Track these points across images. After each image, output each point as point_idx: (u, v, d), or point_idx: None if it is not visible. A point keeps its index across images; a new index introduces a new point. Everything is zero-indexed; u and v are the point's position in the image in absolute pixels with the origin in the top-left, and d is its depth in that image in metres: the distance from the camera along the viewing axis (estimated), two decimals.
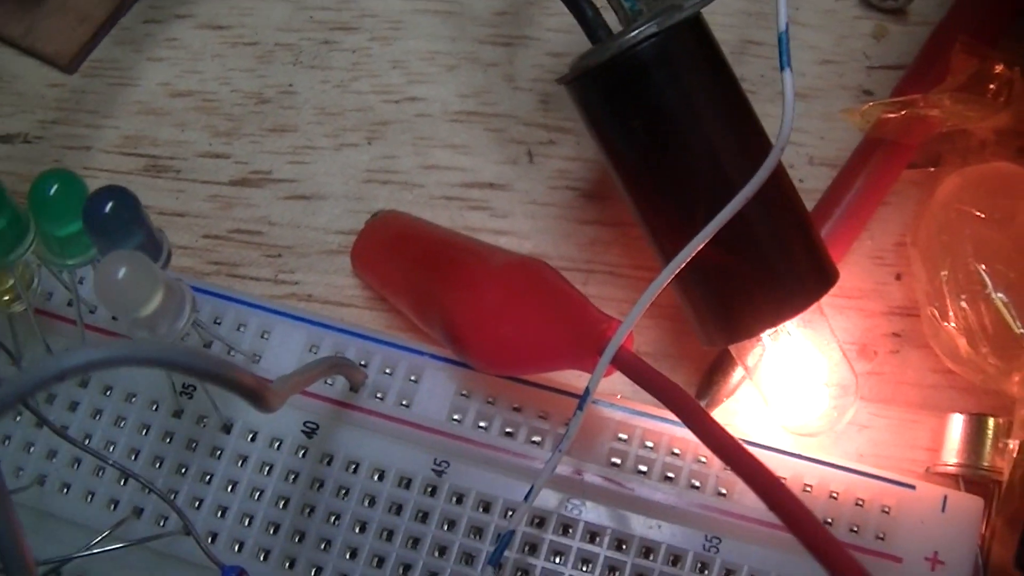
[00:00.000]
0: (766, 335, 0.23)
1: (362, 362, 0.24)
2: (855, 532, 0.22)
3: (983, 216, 0.24)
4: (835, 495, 0.23)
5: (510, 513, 0.22)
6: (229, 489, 0.23)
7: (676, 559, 0.22)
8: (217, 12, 0.29)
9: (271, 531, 0.23)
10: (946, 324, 0.24)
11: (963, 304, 0.24)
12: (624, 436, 0.23)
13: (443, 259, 0.23)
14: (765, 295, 0.22)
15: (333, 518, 0.23)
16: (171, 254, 0.21)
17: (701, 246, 0.20)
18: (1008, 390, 0.23)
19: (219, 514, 0.23)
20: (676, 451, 0.23)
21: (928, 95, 0.24)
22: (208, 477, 0.23)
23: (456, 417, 0.23)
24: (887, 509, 0.22)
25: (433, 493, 0.23)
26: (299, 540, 0.23)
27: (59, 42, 0.29)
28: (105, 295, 0.18)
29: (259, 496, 0.23)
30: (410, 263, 0.24)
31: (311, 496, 0.23)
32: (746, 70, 0.28)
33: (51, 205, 0.20)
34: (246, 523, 0.23)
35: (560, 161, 0.27)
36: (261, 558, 0.23)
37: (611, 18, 0.22)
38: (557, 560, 0.22)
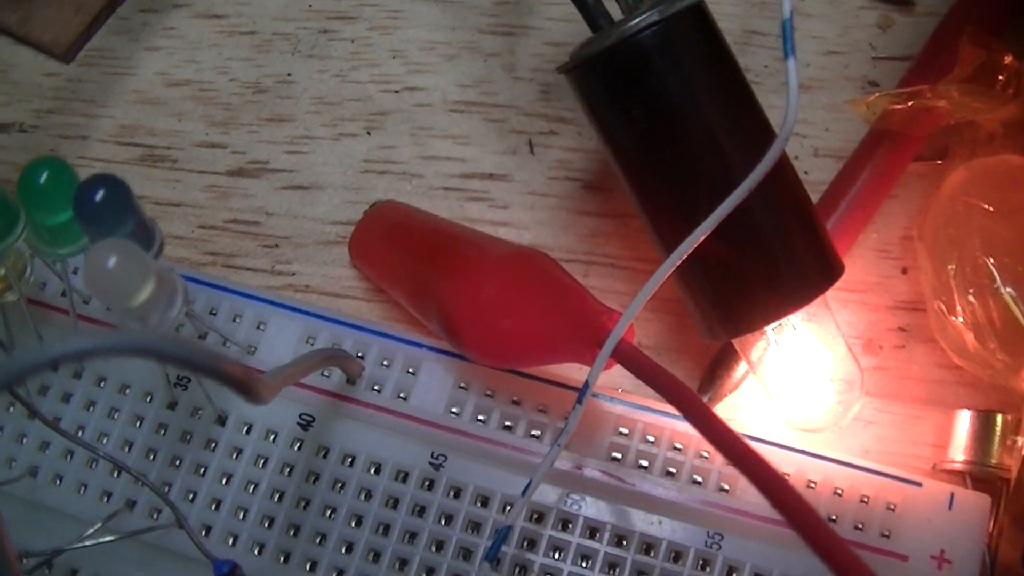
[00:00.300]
0: (770, 329, 0.23)
1: (359, 354, 0.23)
2: (860, 529, 0.22)
3: (991, 209, 0.24)
4: (840, 492, 0.22)
5: (508, 508, 0.22)
6: (224, 482, 0.23)
7: (677, 556, 0.22)
8: (214, 1, 0.29)
9: (266, 524, 0.22)
10: (953, 319, 0.23)
11: (971, 298, 0.23)
12: (625, 430, 0.23)
13: (440, 250, 0.23)
14: (768, 288, 0.21)
15: (329, 512, 0.22)
16: (164, 243, 0.20)
17: (703, 238, 0.20)
18: (1017, 386, 0.23)
19: (213, 507, 0.23)
20: (678, 446, 0.22)
21: (935, 86, 0.24)
22: (202, 469, 0.23)
23: (454, 410, 0.23)
24: (893, 506, 0.22)
25: (430, 487, 0.22)
26: (294, 534, 0.22)
27: (55, 31, 0.28)
28: (94, 284, 0.18)
29: (254, 489, 0.23)
30: (407, 254, 0.24)
31: (306, 489, 0.22)
32: (750, 60, 0.27)
33: (41, 193, 0.20)
34: (240, 516, 0.22)
35: (561, 152, 0.27)
36: (256, 552, 0.22)
37: (613, 8, 0.22)
38: (556, 556, 0.22)
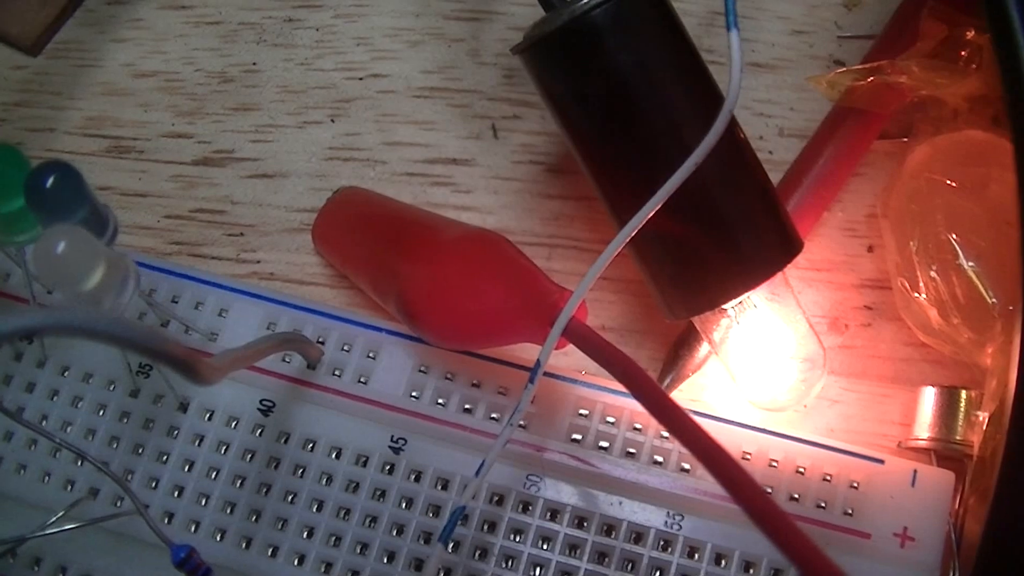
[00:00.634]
0: (732, 308, 0.23)
1: (319, 339, 0.23)
2: (823, 508, 0.22)
3: (954, 185, 0.23)
4: (802, 470, 0.22)
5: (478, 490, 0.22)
6: (186, 469, 0.23)
7: (638, 536, 0.22)
8: None
9: (228, 510, 0.22)
10: (917, 295, 0.23)
11: (933, 274, 0.23)
12: (585, 412, 0.23)
13: (397, 234, 0.23)
14: (725, 265, 0.21)
15: (290, 497, 0.22)
16: (118, 229, 0.20)
17: (653, 212, 0.20)
18: (981, 362, 0.23)
19: (176, 494, 0.23)
20: (638, 426, 0.22)
21: (895, 61, 0.24)
22: (165, 456, 0.23)
23: (414, 394, 0.23)
24: (855, 484, 0.22)
25: (391, 471, 0.22)
26: (255, 519, 0.22)
27: (22, 24, 0.28)
28: (44, 270, 0.18)
29: (216, 475, 0.23)
30: (367, 239, 0.24)
31: (267, 475, 0.23)
32: (714, 42, 0.27)
33: None
34: (203, 502, 0.22)
35: (524, 135, 0.27)
36: (217, 538, 0.22)
37: None
38: (516, 538, 0.22)
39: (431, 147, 0.27)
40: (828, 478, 0.22)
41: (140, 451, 0.23)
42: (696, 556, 0.21)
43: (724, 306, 0.22)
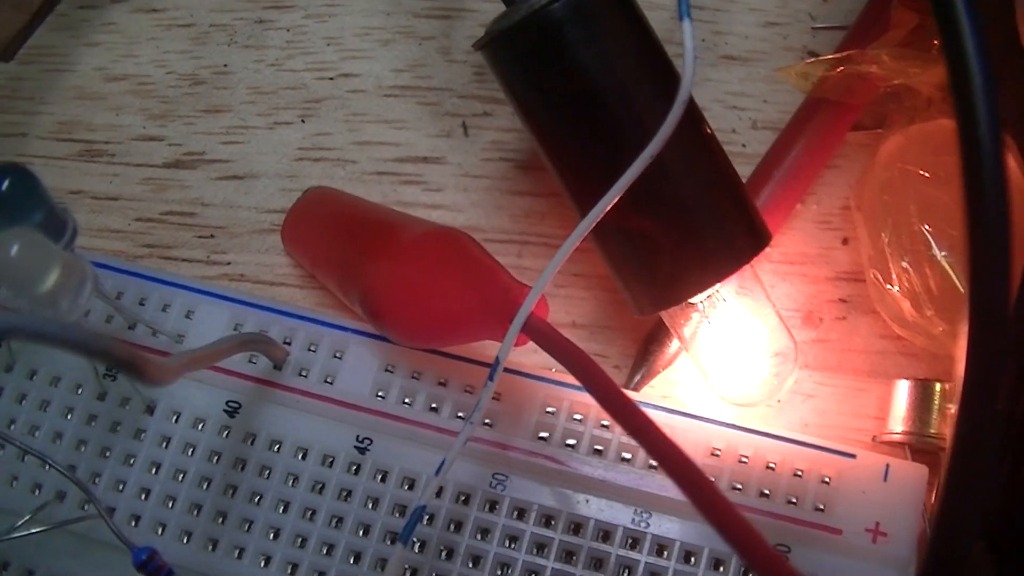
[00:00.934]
0: (701, 302, 0.22)
1: (286, 339, 0.23)
2: (793, 504, 0.21)
3: (927, 175, 0.23)
4: (772, 466, 0.22)
5: (436, 490, 0.22)
6: (153, 471, 0.23)
7: (606, 535, 0.21)
8: None
9: (194, 512, 0.22)
10: (890, 288, 0.23)
11: (906, 266, 0.23)
12: (552, 409, 0.22)
13: (363, 233, 0.23)
14: (691, 259, 0.21)
15: (256, 498, 0.22)
16: (77, 232, 0.20)
17: (611, 205, 0.19)
18: (956, 353, 0.22)
19: (143, 496, 0.22)
20: (605, 423, 0.22)
21: (865, 51, 0.23)
22: (131, 459, 0.23)
23: (380, 393, 0.23)
24: (827, 480, 0.22)
25: (356, 471, 0.22)
26: (222, 521, 0.22)
27: None
28: None
29: (182, 477, 0.23)
30: (334, 238, 0.24)
31: (234, 476, 0.22)
32: None
33: None
34: (169, 504, 0.22)
35: (495, 132, 0.27)
36: (184, 540, 0.22)
37: None
38: (482, 538, 0.22)
39: (401, 146, 0.27)
40: (799, 474, 0.22)
41: (107, 454, 0.23)
42: (664, 554, 0.21)
43: (693, 301, 0.22)
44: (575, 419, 0.22)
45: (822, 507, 0.21)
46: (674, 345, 0.24)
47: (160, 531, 0.22)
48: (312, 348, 0.23)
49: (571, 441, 0.22)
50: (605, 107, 0.21)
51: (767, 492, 0.22)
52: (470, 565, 0.21)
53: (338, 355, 0.23)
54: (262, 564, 0.22)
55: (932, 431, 0.22)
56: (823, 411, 0.24)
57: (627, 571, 0.21)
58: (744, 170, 0.24)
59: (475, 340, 0.21)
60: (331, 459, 0.22)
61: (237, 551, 0.22)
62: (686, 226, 0.21)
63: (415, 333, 0.21)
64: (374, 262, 0.22)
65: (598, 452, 0.22)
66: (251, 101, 0.28)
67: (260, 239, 0.26)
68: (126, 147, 0.28)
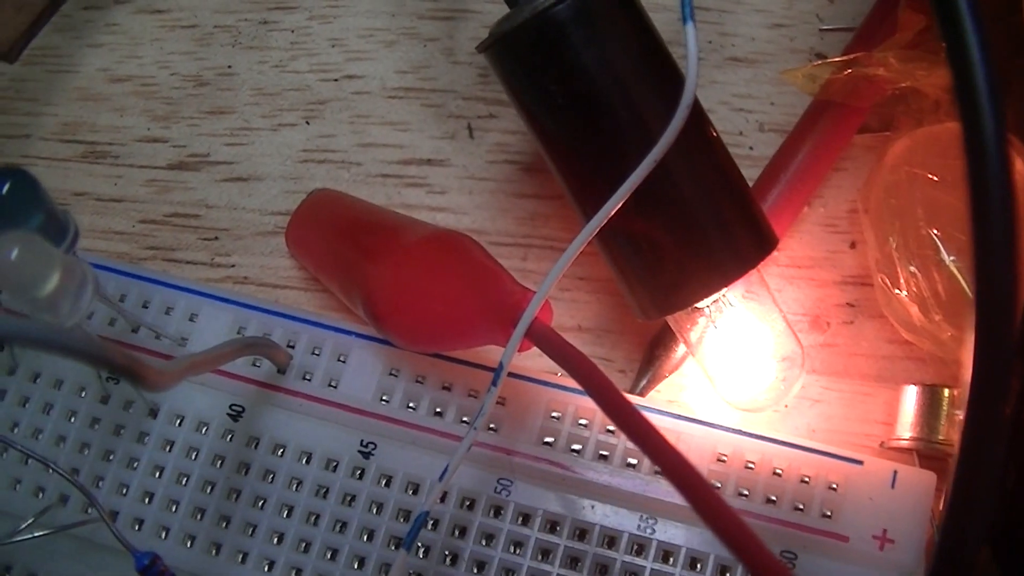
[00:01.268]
0: (707, 307, 0.22)
1: (289, 343, 0.23)
2: (800, 510, 0.21)
3: (934, 178, 0.23)
4: (779, 472, 0.22)
5: (441, 494, 0.22)
6: (156, 475, 0.23)
7: (611, 541, 0.21)
8: None
9: (197, 516, 0.22)
10: (898, 292, 0.23)
11: (914, 270, 0.22)
12: (557, 414, 0.22)
13: (366, 236, 0.23)
14: (695, 263, 0.21)
15: (259, 502, 0.22)
16: (78, 235, 0.20)
17: (615, 209, 0.19)
18: (963, 358, 0.22)
19: (146, 500, 0.22)
20: (610, 428, 0.22)
21: (872, 53, 0.23)
22: (135, 463, 0.23)
23: (384, 397, 0.23)
24: (834, 486, 0.21)
25: (360, 476, 0.22)
26: (225, 525, 0.22)
27: None
28: None
29: (185, 481, 0.22)
30: (337, 242, 0.24)
31: (237, 480, 0.22)
32: None
33: None
34: (172, 508, 0.22)
35: (500, 135, 0.26)
36: (187, 544, 0.22)
37: None
38: (487, 543, 0.21)
39: (405, 148, 0.27)
40: (806, 480, 0.21)
41: (110, 457, 0.23)
42: (670, 560, 0.21)
43: (699, 305, 0.22)
44: (580, 424, 0.22)
45: (829, 513, 0.21)
46: (680, 350, 0.24)
47: (163, 535, 0.22)
48: (316, 352, 0.23)
49: (576, 446, 0.22)
50: (609, 109, 0.21)
51: (774, 498, 0.21)
52: (474, 571, 0.21)
53: (342, 359, 0.23)
54: (265, 568, 0.22)
55: (940, 437, 0.22)
56: (830, 416, 0.24)
57: None
58: (751, 172, 0.24)
59: (478, 344, 0.21)
60: (335, 463, 0.22)
61: (240, 555, 0.22)
62: (692, 230, 0.21)
63: (418, 337, 0.21)
64: (377, 265, 0.22)
65: (603, 457, 0.22)
66: (255, 103, 0.28)
67: (264, 241, 0.26)
68: (130, 149, 0.28)
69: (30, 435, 0.23)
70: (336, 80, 0.27)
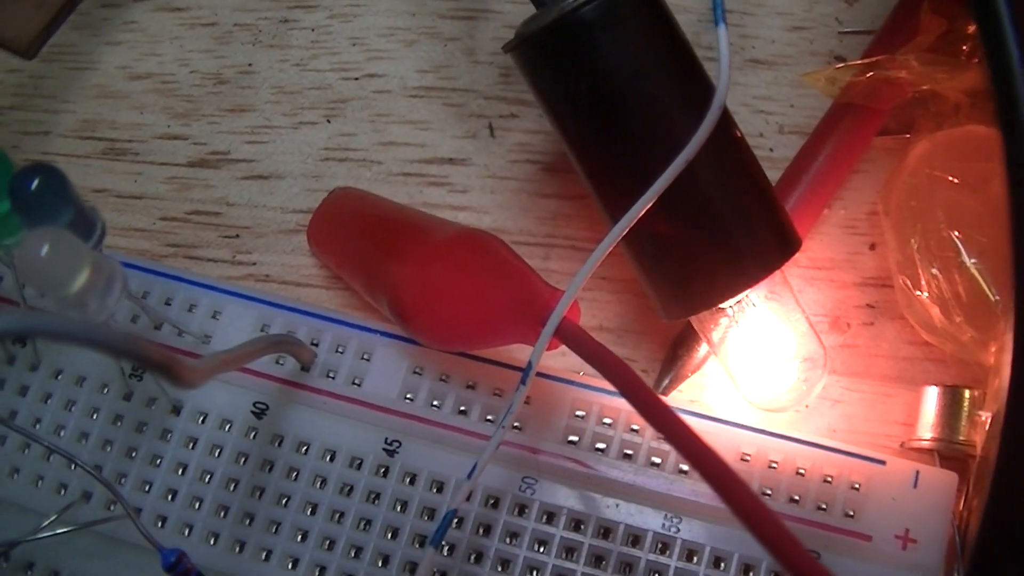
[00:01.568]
0: (730, 307, 0.22)
1: (313, 341, 0.23)
2: (823, 510, 0.21)
3: (955, 181, 0.23)
4: (802, 472, 0.22)
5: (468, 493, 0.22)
6: (179, 472, 0.23)
7: (635, 539, 0.21)
8: None
9: (221, 514, 0.22)
10: (918, 294, 0.23)
11: (935, 272, 0.23)
12: (582, 413, 0.22)
13: (390, 235, 0.23)
14: (721, 264, 0.21)
15: (283, 500, 0.22)
16: (105, 232, 0.20)
17: (644, 211, 0.19)
18: (984, 360, 0.22)
19: (169, 497, 0.22)
20: (635, 427, 0.22)
21: (894, 56, 0.23)
22: (158, 460, 0.23)
23: (408, 396, 0.23)
24: (856, 486, 0.21)
25: (385, 474, 0.22)
26: (248, 523, 0.22)
27: (17, 28, 0.28)
28: (27, 273, 0.18)
29: (209, 479, 0.22)
30: (360, 239, 0.24)
31: (261, 478, 0.22)
32: (712, 38, 0.26)
33: None
34: (196, 506, 0.22)
35: (521, 134, 0.26)
36: (211, 542, 0.22)
37: None
38: (512, 541, 0.21)
39: (427, 147, 0.27)
40: (829, 479, 0.22)
41: (133, 454, 0.23)
42: (695, 559, 0.21)
43: (722, 305, 0.22)
44: (605, 423, 0.22)
45: (852, 513, 0.21)
46: (703, 349, 0.24)
47: (187, 532, 0.22)
48: (340, 350, 0.23)
49: (601, 445, 0.22)
50: (636, 111, 0.21)
51: (797, 498, 0.21)
52: (499, 569, 0.21)
53: (366, 357, 0.23)
54: (289, 566, 0.22)
55: (961, 438, 0.22)
56: (851, 416, 0.24)
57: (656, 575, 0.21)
58: (771, 175, 0.24)
59: (505, 344, 0.21)
60: (359, 461, 0.22)
61: (264, 553, 0.22)
62: (717, 231, 0.21)
63: (444, 336, 0.21)
64: (402, 264, 0.22)
65: (628, 456, 0.22)
66: (276, 101, 0.28)
67: (286, 239, 0.26)
68: (150, 146, 0.28)
69: (52, 431, 0.23)
70: (357, 79, 0.28)
